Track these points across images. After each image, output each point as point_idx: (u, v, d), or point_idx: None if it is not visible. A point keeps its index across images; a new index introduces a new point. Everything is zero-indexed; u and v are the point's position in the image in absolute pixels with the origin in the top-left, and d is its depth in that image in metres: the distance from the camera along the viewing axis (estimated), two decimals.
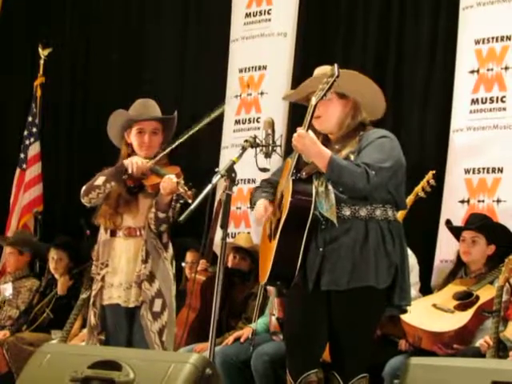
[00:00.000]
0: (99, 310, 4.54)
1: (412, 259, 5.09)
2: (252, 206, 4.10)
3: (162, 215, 4.41)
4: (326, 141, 3.93)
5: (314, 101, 3.71)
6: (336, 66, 3.66)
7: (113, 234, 4.55)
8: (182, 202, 4.40)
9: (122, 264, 4.51)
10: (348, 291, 3.73)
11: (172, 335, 4.51)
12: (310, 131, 3.75)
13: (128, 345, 4.43)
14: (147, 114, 4.61)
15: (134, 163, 4.45)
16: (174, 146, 4.50)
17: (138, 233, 4.52)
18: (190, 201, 4.17)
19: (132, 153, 4.60)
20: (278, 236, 3.74)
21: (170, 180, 4.30)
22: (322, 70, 3.92)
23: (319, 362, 3.94)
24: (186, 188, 4.21)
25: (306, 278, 3.77)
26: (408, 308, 3.94)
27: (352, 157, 3.80)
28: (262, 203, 3.96)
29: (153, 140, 4.58)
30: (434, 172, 5.49)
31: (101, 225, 4.60)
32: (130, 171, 4.46)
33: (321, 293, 3.77)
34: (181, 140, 4.49)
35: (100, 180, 4.54)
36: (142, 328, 4.41)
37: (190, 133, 4.47)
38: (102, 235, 4.60)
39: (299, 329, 3.87)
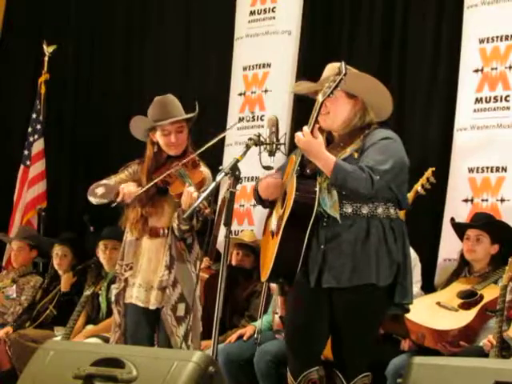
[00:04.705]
0: (123, 309, 4.58)
1: (413, 257, 5.08)
2: (256, 197, 4.06)
3: (184, 227, 4.43)
4: (329, 138, 3.93)
5: (320, 98, 3.68)
6: (343, 63, 3.63)
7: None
8: (201, 219, 4.35)
9: (143, 263, 4.53)
10: (349, 289, 3.73)
11: (197, 335, 4.52)
12: (319, 134, 3.73)
13: (149, 345, 4.45)
14: (168, 114, 4.56)
15: (127, 193, 4.43)
16: (172, 169, 4.50)
17: (161, 232, 4.53)
18: (208, 217, 4.18)
19: (159, 151, 4.59)
20: (280, 232, 3.74)
21: (190, 194, 4.29)
22: (333, 68, 3.86)
23: (320, 359, 3.95)
24: (205, 204, 4.14)
25: (308, 275, 3.77)
26: (410, 306, 3.93)
27: (356, 155, 3.79)
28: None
29: (179, 138, 4.57)
30: (434, 169, 5.46)
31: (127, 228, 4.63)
32: (119, 199, 4.44)
33: (322, 290, 3.77)
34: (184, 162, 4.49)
35: (100, 190, 4.54)
36: (165, 332, 4.43)
37: (205, 147, 4.45)
38: (128, 235, 4.62)
39: (300, 326, 3.86)
